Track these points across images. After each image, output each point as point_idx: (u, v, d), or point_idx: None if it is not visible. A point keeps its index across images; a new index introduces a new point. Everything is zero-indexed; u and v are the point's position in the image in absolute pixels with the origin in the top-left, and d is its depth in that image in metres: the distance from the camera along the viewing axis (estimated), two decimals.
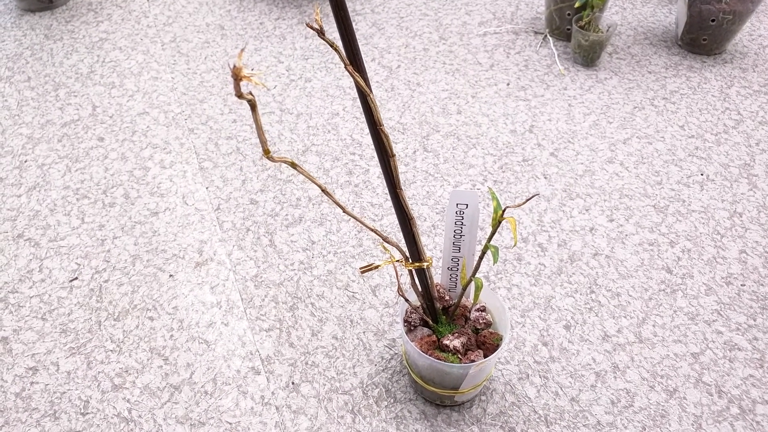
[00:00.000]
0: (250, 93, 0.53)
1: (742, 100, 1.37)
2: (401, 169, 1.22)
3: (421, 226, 1.11)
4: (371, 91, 0.66)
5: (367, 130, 1.31)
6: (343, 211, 0.70)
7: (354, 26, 1.61)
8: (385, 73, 1.47)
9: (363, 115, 1.35)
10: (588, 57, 1.47)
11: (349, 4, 1.70)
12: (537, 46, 1.56)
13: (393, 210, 1.12)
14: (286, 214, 1.13)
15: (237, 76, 0.47)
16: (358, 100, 1.38)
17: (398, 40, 1.57)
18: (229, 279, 1.02)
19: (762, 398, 0.86)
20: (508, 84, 1.44)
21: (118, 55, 1.51)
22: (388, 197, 1.15)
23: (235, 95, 0.48)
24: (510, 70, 1.48)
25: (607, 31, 1.44)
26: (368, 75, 1.45)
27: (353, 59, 0.64)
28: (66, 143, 1.26)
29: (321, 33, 0.60)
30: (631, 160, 1.23)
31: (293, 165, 0.62)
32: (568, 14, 1.51)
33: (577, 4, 1.42)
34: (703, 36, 1.47)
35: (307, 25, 0.57)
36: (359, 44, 1.56)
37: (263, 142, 0.56)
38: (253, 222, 1.11)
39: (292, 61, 1.50)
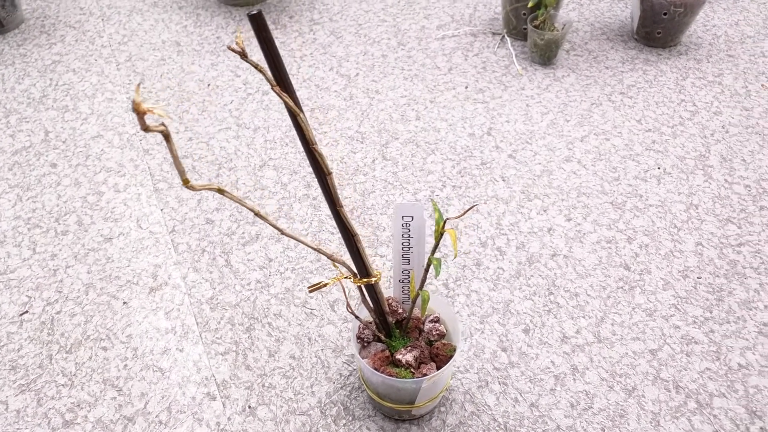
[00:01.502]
0: (162, 124, 0.52)
1: (696, 92, 1.37)
2: (360, 179, 1.21)
3: (381, 237, 1.11)
4: (301, 110, 0.65)
5: (326, 141, 1.30)
6: (282, 233, 0.69)
7: (312, 36, 1.61)
8: (344, 82, 1.46)
9: (321, 126, 1.34)
10: (545, 56, 1.47)
11: (307, 14, 1.69)
12: (495, 47, 1.55)
13: (353, 221, 1.11)
14: (243, 232, 1.12)
15: (138, 111, 0.46)
16: (316, 111, 1.38)
17: (356, 48, 1.56)
18: (184, 303, 1.01)
19: (718, 391, 0.86)
20: (466, 87, 1.43)
21: (71, 77, 1.49)
22: (347, 210, 1.14)
23: (142, 129, 0.47)
24: (468, 73, 1.47)
25: (563, 29, 1.44)
26: (327, 84, 1.44)
27: (279, 80, 0.64)
28: (17, 171, 1.24)
29: (243, 55, 0.59)
30: (588, 157, 1.23)
31: (220, 191, 0.61)
32: (524, 14, 1.51)
33: (530, 4, 1.41)
34: (657, 29, 1.47)
35: (229, 47, 0.56)
36: (318, 54, 1.55)
37: (181, 172, 0.54)
38: (209, 242, 1.10)
39: (249, 75, 1.48)
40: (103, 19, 1.69)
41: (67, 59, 1.55)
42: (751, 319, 0.94)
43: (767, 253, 1.04)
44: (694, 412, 0.84)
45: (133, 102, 0.46)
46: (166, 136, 0.53)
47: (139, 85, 0.45)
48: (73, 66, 1.53)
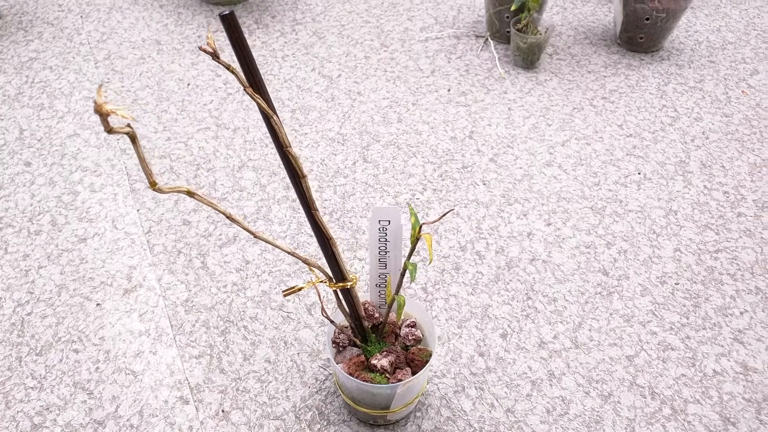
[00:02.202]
0: (128, 125, 0.51)
1: (678, 97, 1.37)
2: (340, 181, 1.20)
3: (360, 240, 1.10)
4: (275, 112, 0.64)
5: (306, 142, 1.29)
6: (255, 237, 0.68)
7: (295, 36, 1.59)
8: (326, 83, 1.45)
9: (301, 127, 1.33)
10: (527, 59, 1.47)
11: (289, 14, 1.68)
12: (478, 50, 1.55)
13: (332, 223, 1.10)
14: (220, 234, 1.10)
15: (101, 112, 0.45)
16: (297, 112, 1.37)
17: (339, 49, 1.56)
18: (158, 305, 0.99)
19: (693, 397, 0.86)
20: (449, 90, 1.43)
21: (48, 75, 1.47)
22: (326, 212, 1.14)
23: (105, 131, 0.46)
24: (451, 76, 1.47)
25: (546, 32, 1.44)
26: (309, 85, 1.43)
27: (252, 81, 0.62)
28: None
29: (215, 56, 0.58)
30: (569, 162, 1.23)
31: (189, 193, 0.60)
32: (507, 17, 1.51)
33: (513, 7, 1.41)
34: (640, 34, 1.47)
35: (200, 48, 0.55)
36: (300, 54, 1.54)
37: (148, 174, 0.53)
38: (185, 244, 1.09)
39: (230, 74, 1.47)
40: (81, 16, 1.66)
41: (44, 56, 1.53)
42: (727, 326, 0.94)
43: (744, 260, 1.04)
44: (669, 418, 0.84)
45: (95, 103, 0.45)
46: (132, 138, 0.52)
47: (101, 86, 0.44)
48: (50, 63, 1.50)
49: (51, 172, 1.22)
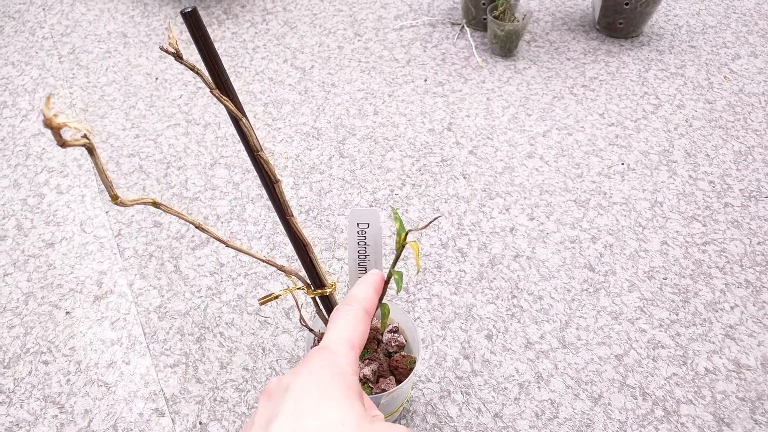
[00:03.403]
0: (84, 136, 0.46)
1: (659, 84, 1.35)
2: (316, 177, 1.17)
3: (338, 239, 1.06)
4: (244, 114, 0.60)
5: (280, 137, 1.25)
6: (227, 246, 0.64)
7: (265, 26, 1.55)
8: (299, 75, 1.41)
9: (275, 122, 1.29)
10: (505, 47, 1.44)
11: (259, 3, 1.63)
12: (454, 38, 1.51)
13: (309, 222, 1.06)
14: (193, 236, 1.06)
15: (51, 126, 0.41)
16: (270, 105, 1.32)
17: (311, 39, 1.51)
18: (130, 312, 0.95)
19: (686, 397, 0.84)
20: (425, 80, 1.39)
21: (10, 71, 1.41)
22: (302, 210, 1.10)
23: (58, 145, 0.42)
24: (427, 65, 1.43)
25: (523, 19, 1.41)
26: (281, 77, 1.39)
27: (219, 82, 0.58)
28: None
29: (178, 56, 0.53)
30: (551, 153, 1.20)
31: (155, 204, 0.56)
32: (483, 3, 1.47)
33: None
34: (619, 20, 1.45)
35: (162, 48, 0.51)
36: (271, 45, 1.49)
37: (108, 187, 0.49)
38: (157, 247, 1.04)
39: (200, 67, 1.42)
40: (44, 9, 1.60)
41: (5, 52, 1.46)
42: (717, 321, 0.93)
43: (732, 252, 1.02)
44: (662, 420, 0.82)
45: (44, 116, 0.40)
46: (90, 150, 0.48)
47: (49, 98, 0.40)
48: (12, 59, 1.44)
49: (15, 174, 1.17)
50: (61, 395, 0.86)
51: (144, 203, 0.55)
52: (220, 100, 0.58)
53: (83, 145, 0.47)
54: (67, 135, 0.45)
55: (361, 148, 1.23)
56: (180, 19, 1.57)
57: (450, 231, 1.07)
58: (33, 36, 1.51)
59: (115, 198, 0.51)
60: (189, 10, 0.53)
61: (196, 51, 0.57)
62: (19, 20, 1.56)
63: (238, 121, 0.60)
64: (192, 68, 0.55)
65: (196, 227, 0.61)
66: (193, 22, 0.55)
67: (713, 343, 0.90)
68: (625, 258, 1.02)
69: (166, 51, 0.52)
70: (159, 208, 0.57)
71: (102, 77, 1.40)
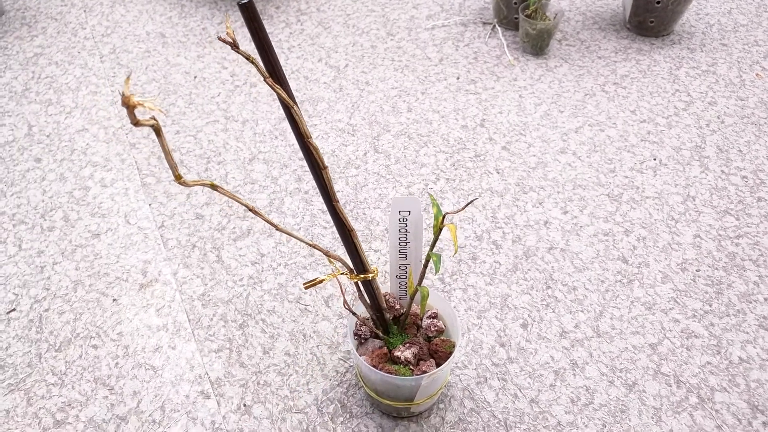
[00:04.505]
0: (153, 117, 0.50)
1: (691, 81, 1.36)
2: (352, 172, 1.19)
3: (374, 231, 1.09)
4: (295, 102, 0.63)
5: (316, 134, 1.28)
6: (277, 229, 0.67)
7: (300, 26, 1.58)
8: (333, 74, 1.44)
9: (311, 119, 1.32)
10: (537, 46, 1.46)
11: (293, 4, 1.66)
12: (486, 37, 1.53)
13: (346, 215, 1.09)
14: (234, 227, 1.09)
15: (128, 105, 0.44)
16: (306, 103, 1.35)
17: (345, 39, 1.54)
18: (175, 299, 0.98)
19: (720, 385, 0.85)
20: (458, 78, 1.41)
21: (54, 70, 1.45)
22: (340, 203, 1.12)
23: (132, 123, 0.45)
24: (459, 64, 1.45)
25: (555, 18, 1.42)
26: (316, 76, 1.42)
27: (272, 71, 0.61)
28: (0, 166, 1.21)
29: (235, 46, 0.56)
30: (583, 149, 1.22)
31: (213, 186, 0.59)
32: (515, 3, 1.49)
33: None
34: (650, 18, 1.46)
35: (219, 38, 0.54)
36: (306, 45, 1.53)
37: (173, 167, 0.52)
38: (199, 238, 1.08)
39: (237, 66, 1.46)
40: (85, 11, 1.65)
41: (49, 52, 1.51)
42: (751, 312, 0.94)
43: (766, 245, 1.03)
44: (696, 407, 0.83)
45: (122, 95, 0.44)
46: (157, 131, 0.51)
47: (128, 77, 0.43)
48: (56, 58, 1.49)
49: (61, 168, 1.21)
50: (111, 377, 0.89)
51: (203, 185, 0.58)
52: (273, 89, 0.61)
53: (152, 126, 0.50)
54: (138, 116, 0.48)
55: (396, 143, 1.25)
56: (216, 19, 1.61)
57: (484, 224, 1.09)
58: (75, 36, 1.56)
59: (179, 178, 0.54)
60: (245, 1, 0.56)
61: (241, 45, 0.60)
62: (61, 21, 1.61)
63: (289, 108, 0.63)
64: (247, 57, 0.58)
65: (249, 210, 0.64)
66: (249, 12, 0.58)
67: (747, 333, 0.91)
68: (658, 250, 1.03)
69: (224, 41, 0.56)
70: (216, 190, 0.60)
71: (142, 76, 1.44)
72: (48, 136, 1.28)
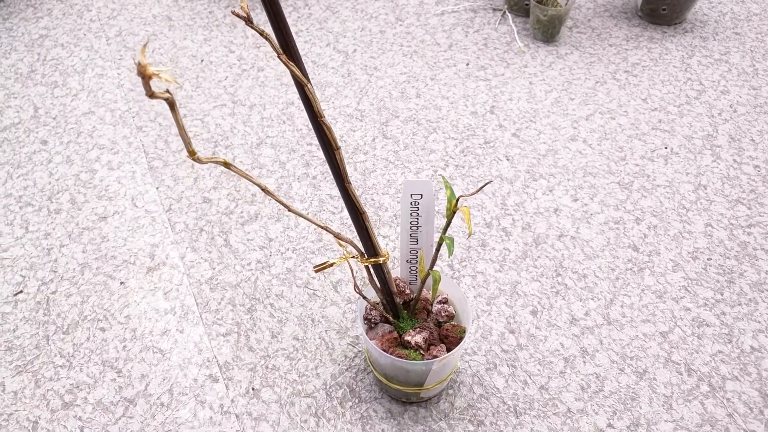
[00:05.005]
0: (167, 90, 0.49)
1: (703, 70, 1.35)
2: (360, 158, 1.19)
3: (383, 216, 1.08)
4: (309, 80, 0.62)
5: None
6: (289, 210, 0.66)
7: (307, 11, 1.57)
8: (341, 59, 1.43)
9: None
10: (548, 32, 1.44)
11: None
12: (496, 23, 1.52)
13: None
14: (242, 212, 1.09)
15: (144, 74, 0.43)
16: (314, 88, 1.34)
17: (353, 24, 1.53)
18: (182, 283, 0.98)
19: (731, 374, 0.85)
20: (467, 64, 1.40)
21: (60, 52, 1.44)
22: None
23: (147, 95, 0.44)
24: (469, 50, 1.44)
25: (566, 4, 1.41)
26: (324, 61, 1.41)
27: (286, 48, 0.60)
28: (6, 148, 1.20)
29: (249, 21, 0.55)
30: (594, 136, 1.21)
31: (226, 164, 0.58)
32: None
33: None
34: (663, 6, 1.44)
35: (233, 12, 0.53)
36: (313, 29, 1.51)
37: (187, 143, 0.51)
38: (207, 221, 1.07)
39: (244, 50, 1.45)
40: None
41: (54, 33, 1.50)
42: (763, 302, 0.93)
43: None
44: (707, 395, 0.83)
45: (139, 64, 0.43)
46: (171, 104, 0.50)
47: (145, 45, 0.42)
48: (62, 40, 1.48)
49: (68, 150, 1.20)
50: (119, 360, 0.89)
51: (216, 162, 0.57)
52: (286, 65, 0.60)
53: (166, 99, 0.49)
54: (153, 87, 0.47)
55: (404, 129, 1.24)
56: (223, 2, 1.59)
57: (494, 211, 1.08)
58: (81, 18, 1.55)
59: (192, 154, 0.53)
60: None
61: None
62: (67, 3, 1.60)
63: (303, 86, 0.62)
64: (261, 33, 0.57)
65: (263, 190, 0.64)
66: None
67: (759, 322, 0.90)
68: (669, 239, 1.02)
69: (238, 15, 0.54)
70: (230, 168, 0.59)
71: (149, 59, 1.43)
72: (54, 118, 1.27)
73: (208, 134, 1.23)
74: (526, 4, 1.50)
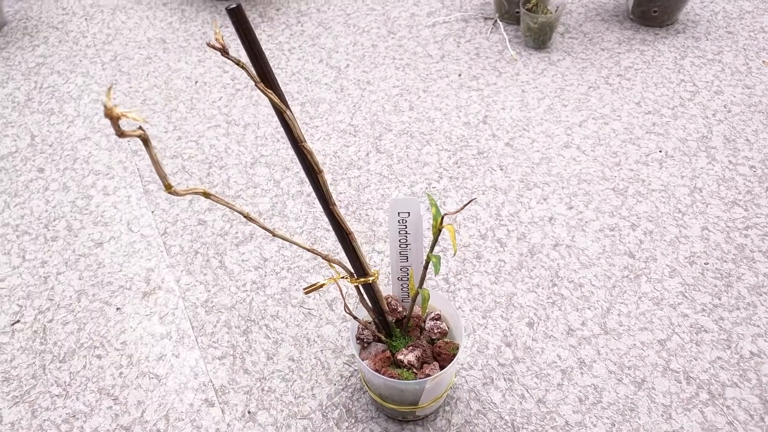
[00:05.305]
0: (140, 128, 0.49)
1: (696, 71, 1.34)
2: (354, 173, 1.19)
3: (377, 232, 1.08)
4: (288, 107, 0.62)
5: (318, 135, 1.27)
6: (273, 235, 0.66)
7: (300, 27, 1.57)
8: (334, 74, 1.43)
9: (312, 120, 1.31)
10: (539, 39, 1.44)
11: (294, 5, 1.66)
12: (487, 32, 1.52)
13: (349, 216, 1.08)
14: (236, 232, 1.09)
15: (111, 116, 0.43)
16: (307, 105, 1.35)
17: (346, 39, 1.53)
18: (178, 307, 0.98)
19: (731, 381, 0.84)
20: (459, 75, 1.40)
21: (56, 79, 1.45)
22: (341, 205, 1.12)
23: (117, 135, 0.44)
24: (461, 60, 1.44)
25: (556, 11, 1.41)
26: (317, 77, 1.41)
27: (263, 76, 0.61)
28: (3, 177, 1.21)
29: (224, 52, 0.56)
30: (587, 142, 1.20)
31: (206, 195, 0.58)
32: None
33: None
34: (654, 8, 1.44)
35: (209, 44, 0.53)
36: (306, 46, 1.52)
37: (162, 177, 0.52)
38: (202, 244, 1.07)
39: (237, 70, 1.45)
40: (86, 19, 1.65)
41: (51, 61, 1.51)
42: (762, 305, 0.92)
43: None
44: (707, 403, 0.82)
45: (105, 107, 0.43)
46: (145, 141, 0.50)
47: (110, 88, 0.42)
48: (58, 68, 1.49)
49: (64, 177, 1.21)
50: (115, 387, 0.89)
51: (195, 193, 0.57)
52: (264, 93, 0.60)
53: (139, 136, 0.49)
54: (124, 127, 0.47)
55: (398, 143, 1.24)
56: (219, 22, 1.60)
57: (488, 222, 1.07)
58: (77, 45, 1.56)
59: (169, 187, 0.54)
60: (234, 6, 0.56)
61: (235, 51, 0.59)
62: (63, 30, 1.61)
63: (282, 113, 0.62)
64: (237, 63, 0.57)
65: (244, 216, 0.64)
66: (237, 17, 0.57)
67: (758, 326, 0.89)
68: (665, 244, 1.01)
69: (213, 47, 0.55)
70: (209, 198, 0.60)
71: (143, 82, 1.43)
72: (50, 145, 1.28)
73: (203, 155, 1.24)
74: (517, 12, 1.50)
